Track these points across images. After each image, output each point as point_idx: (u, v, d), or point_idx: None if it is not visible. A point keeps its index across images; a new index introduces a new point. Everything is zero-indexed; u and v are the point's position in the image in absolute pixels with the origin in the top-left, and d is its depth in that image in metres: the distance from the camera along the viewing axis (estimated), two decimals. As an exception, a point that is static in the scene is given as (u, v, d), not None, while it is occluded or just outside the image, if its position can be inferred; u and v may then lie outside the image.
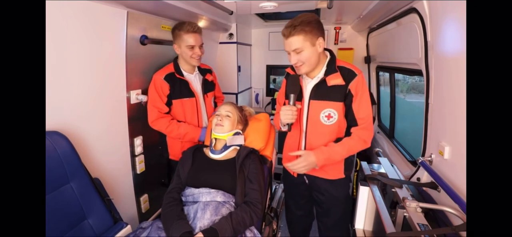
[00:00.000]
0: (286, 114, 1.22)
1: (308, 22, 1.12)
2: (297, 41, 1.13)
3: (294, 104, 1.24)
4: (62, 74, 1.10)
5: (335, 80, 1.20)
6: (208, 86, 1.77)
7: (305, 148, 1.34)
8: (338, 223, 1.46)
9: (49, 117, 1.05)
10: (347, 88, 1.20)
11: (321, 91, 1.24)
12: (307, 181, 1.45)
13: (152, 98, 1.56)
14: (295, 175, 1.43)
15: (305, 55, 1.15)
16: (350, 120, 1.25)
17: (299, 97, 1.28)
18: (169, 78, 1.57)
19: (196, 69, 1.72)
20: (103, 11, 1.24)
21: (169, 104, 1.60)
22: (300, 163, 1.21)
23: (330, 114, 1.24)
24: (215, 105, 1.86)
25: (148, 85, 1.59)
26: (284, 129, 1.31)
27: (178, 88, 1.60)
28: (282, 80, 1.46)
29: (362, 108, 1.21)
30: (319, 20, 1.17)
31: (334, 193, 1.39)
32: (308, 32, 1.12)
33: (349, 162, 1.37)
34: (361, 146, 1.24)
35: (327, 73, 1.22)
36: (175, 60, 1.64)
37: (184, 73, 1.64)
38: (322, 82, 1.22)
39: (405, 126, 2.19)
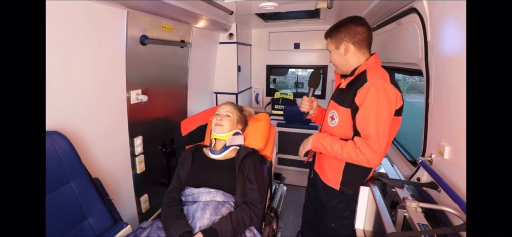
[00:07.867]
0: (302, 103, 1.37)
1: (337, 26, 1.20)
2: (327, 44, 1.26)
3: (312, 96, 1.36)
4: (62, 74, 1.10)
5: (344, 83, 1.18)
6: None
7: None
8: (325, 230, 1.37)
9: (49, 117, 1.05)
10: (354, 94, 1.09)
11: (337, 93, 1.27)
12: (311, 176, 1.46)
13: None
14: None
15: (331, 57, 1.26)
16: (355, 133, 1.13)
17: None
18: None
19: None
20: (103, 11, 1.24)
21: None
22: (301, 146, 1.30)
23: (333, 116, 1.23)
24: None
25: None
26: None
27: None
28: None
29: (367, 124, 1.05)
30: (350, 23, 1.16)
31: (324, 199, 1.33)
32: (332, 36, 1.21)
33: (348, 176, 1.23)
34: (359, 159, 1.07)
35: (347, 76, 1.20)
36: None
37: None
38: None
39: (405, 126, 2.18)
